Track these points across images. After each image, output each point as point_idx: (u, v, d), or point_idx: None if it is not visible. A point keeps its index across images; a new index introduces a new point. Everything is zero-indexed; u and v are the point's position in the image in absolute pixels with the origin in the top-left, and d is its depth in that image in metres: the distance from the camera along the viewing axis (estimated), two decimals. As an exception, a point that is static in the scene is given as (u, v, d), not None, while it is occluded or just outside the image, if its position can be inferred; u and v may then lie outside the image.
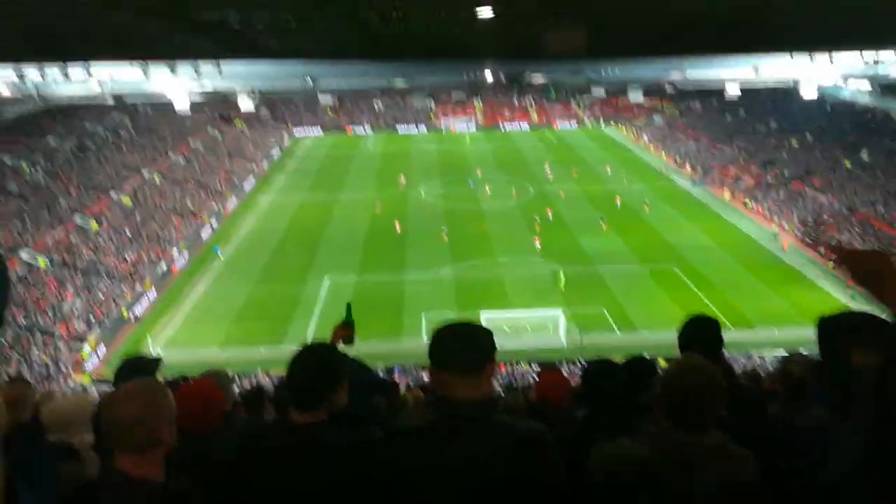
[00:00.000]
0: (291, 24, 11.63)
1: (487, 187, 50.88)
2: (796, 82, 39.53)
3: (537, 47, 12.64)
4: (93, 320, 30.06)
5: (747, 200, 46.45)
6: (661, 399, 2.27)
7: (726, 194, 48.66)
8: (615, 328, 29.08)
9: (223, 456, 2.80)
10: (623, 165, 57.61)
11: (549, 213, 43.89)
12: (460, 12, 10.30)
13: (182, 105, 39.16)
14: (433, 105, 75.32)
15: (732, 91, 42.11)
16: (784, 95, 52.56)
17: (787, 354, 8.19)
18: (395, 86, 39.04)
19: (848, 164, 45.70)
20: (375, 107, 76.10)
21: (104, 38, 13.84)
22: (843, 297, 29.52)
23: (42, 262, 33.00)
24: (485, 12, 9.04)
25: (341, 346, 3.41)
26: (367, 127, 75.97)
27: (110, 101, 40.16)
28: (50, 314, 29.38)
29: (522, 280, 33.98)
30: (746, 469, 2.18)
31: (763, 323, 28.54)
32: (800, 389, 3.25)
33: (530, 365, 24.25)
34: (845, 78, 39.80)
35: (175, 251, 38.90)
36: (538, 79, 39.20)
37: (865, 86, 45.36)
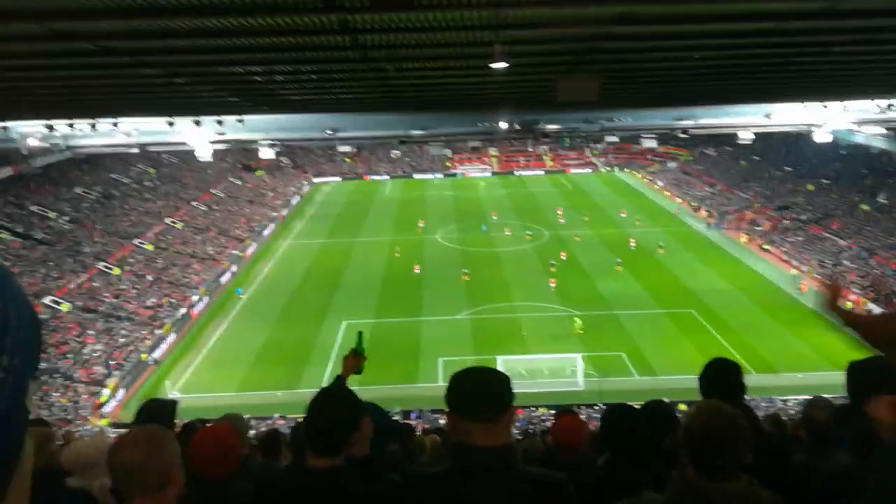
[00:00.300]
0: (312, 77, 11.99)
1: (505, 231, 51.16)
2: (809, 127, 39.67)
3: (551, 97, 12.88)
4: (112, 364, 30.23)
5: (765, 244, 46.10)
6: (684, 444, 2.22)
7: (742, 238, 48.36)
8: (634, 372, 28.61)
9: (240, 500, 2.80)
10: (638, 210, 57.66)
11: (564, 256, 43.93)
12: (476, 65, 10.56)
13: (204, 154, 40.17)
14: (450, 153, 76.51)
15: (745, 136, 42.34)
16: (797, 140, 52.66)
17: (810, 399, 8.00)
18: (413, 136, 39.80)
19: (865, 207, 45.35)
20: (393, 155, 77.44)
21: (133, 97, 14.35)
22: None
23: (65, 306, 33.46)
24: (499, 65, 9.26)
25: (352, 378, 3.42)
26: (385, 175, 77.18)
27: (135, 151, 41.32)
28: (71, 358, 29.62)
29: (539, 324, 33.73)
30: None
31: (784, 367, 27.95)
32: (824, 434, 3.18)
33: (548, 409, 23.85)
34: (859, 123, 39.85)
35: (195, 296, 39.27)
36: (553, 127, 39.76)
37: (879, 130, 45.33)
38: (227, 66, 10.44)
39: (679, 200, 61.77)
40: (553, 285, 38.48)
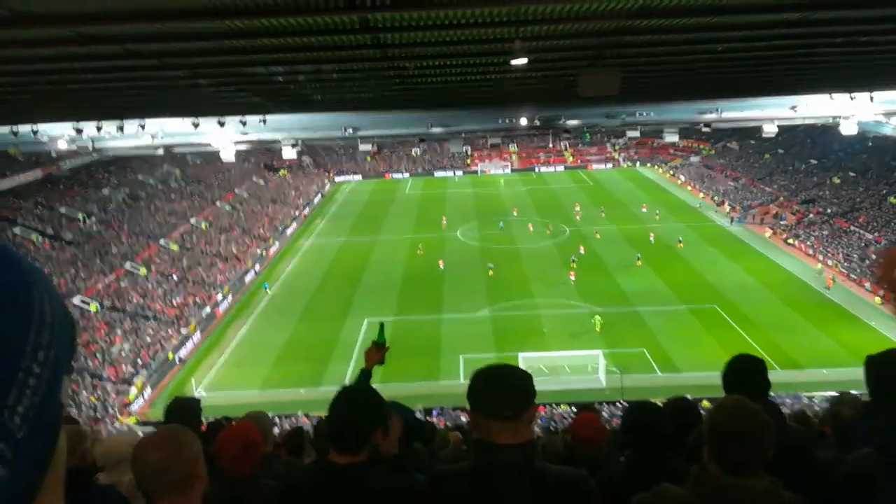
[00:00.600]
0: (333, 76, 12.06)
1: (527, 227, 51.05)
2: (836, 119, 38.83)
3: (572, 93, 12.80)
4: (140, 363, 30.78)
5: (789, 238, 45.31)
6: (706, 440, 2.19)
7: (766, 232, 47.59)
8: (656, 369, 28.35)
9: (264, 498, 2.84)
10: (660, 205, 57.07)
11: (582, 250, 43.74)
12: (496, 62, 10.54)
13: (228, 155, 40.59)
14: (469, 150, 76.40)
15: (769, 130, 41.58)
16: (823, 132, 51.64)
17: (836, 395, 7.88)
18: (433, 133, 39.82)
19: (894, 199, 44.33)
20: (413, 153, 77.63)
21: (159, 99, 14.57)
22: (894, 334, 28.27)
23: (94, 306, 34.11)
24: (520, 61, 9.23)
25: (374, 375, 3.44)
26: (406, 173, 77.36)
27: (160, 152, 41.91)
28: (99, 357, 30.20)
29: (560, 321, 33.59)
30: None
31: (810, 363, 27.52)
32: (849, 431, 3.13)
33: (570, 406, 23.76)
34: (887, 115, 38.90)
35: (219, 295, 39.78)
36: (573, 122, 39.46)
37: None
38: (250, 66, 10.56)
39: (701, 195, 61.00)
40: (573, 278, 38.36)
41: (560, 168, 77.35)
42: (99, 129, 23.60)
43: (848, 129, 38.61)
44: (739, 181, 61.07)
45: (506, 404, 2.11)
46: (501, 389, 2.15)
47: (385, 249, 48.40)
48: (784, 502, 2.09)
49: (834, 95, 29.95)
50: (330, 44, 8.89)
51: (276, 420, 20.93)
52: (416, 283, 40.58)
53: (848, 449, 2.75)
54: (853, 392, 7.28)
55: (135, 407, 27.91)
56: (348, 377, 28.09)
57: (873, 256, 38.64)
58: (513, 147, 79.82)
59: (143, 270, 40.33)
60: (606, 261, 42.52)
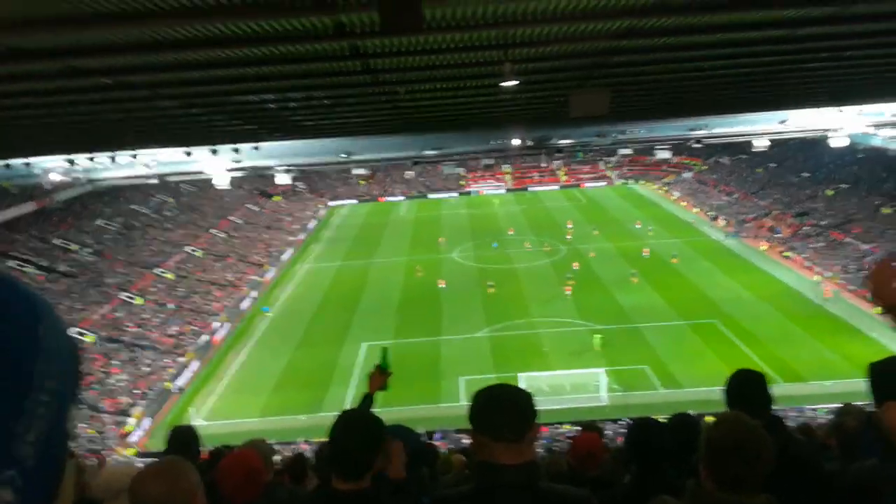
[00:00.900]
0: (324, 102, 12.16)
1: (525, 245, 51.19)
2: (825, 132, 39.27)
3: (563, 113, 12.92)
4: (137, 393, 30.49)
5: (785, 251, 45.49)
6: (703, 456, 2.16)
7: (762, 246, 47.77)
8: (658, 385, 28.23)
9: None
10: (654, 221, 57.30)
11: (576, 266, 43.95)
12: (486, 84, 10.65)
13: (222, 182, 40.69)
14: (463, 171, 76.80)
15: (760, 144, 42.00)
16: (814, 145, 52.13)
17: (840, 406, 7.85)
18: (426, 156, 40.09)
19: (887, 210, 44.64)
20: (406, 176, 77.95)
21: (151, 128, 14.66)
22: (894, 344, 28.25)
23: (90, 337, 33.89)
24: (509, 83, 9.33)
25: (376, 399, 3.42)
26: (401, 196, 77.64)
27: (154, 181, 42.03)
28: (97, 389, 29.93)
29: (560, 340, 33.48)
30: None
31: (813, 375, 27.43)
32: (854, 442, 3.12)
33: (572, 425, 23.56)
34: (876, 126, 39.37)
35: (216, 322, 39.59)
36: (565, 141, 39.80)
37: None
38: (241, 94, 10.65)
39: (696, 210, 61.31)
40: (569, 293, 38.38)
41: (554, 187, 77.76)
42: (91, 159, 23.70)
43: (838, 141, 39.02)
44: (733, 195, 61.46)
45: (507, 424, 2.10)
46: (502, 409, 2.13)
47: (381, 272, 48.34)
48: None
49: (822, 109, 30.31)
50: (321, 71, 8.98)
51: (277, 447, 20.70)
52: (413, 305, 40.48)
53: (853, 460, 2.74)
54: (857, 403, 7.27)
55: (133, 438, 27.58)
56: (348, 402, 27.87)
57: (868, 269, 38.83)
58: (506, 167, 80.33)
59: (138, 300, 40.16)
60: (603, 278, 42.55)
